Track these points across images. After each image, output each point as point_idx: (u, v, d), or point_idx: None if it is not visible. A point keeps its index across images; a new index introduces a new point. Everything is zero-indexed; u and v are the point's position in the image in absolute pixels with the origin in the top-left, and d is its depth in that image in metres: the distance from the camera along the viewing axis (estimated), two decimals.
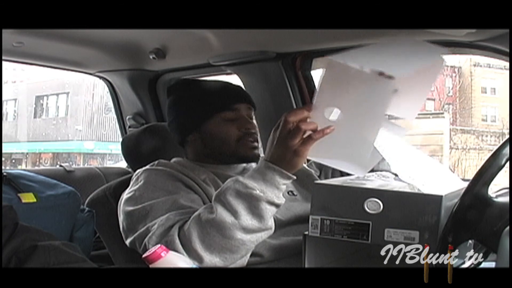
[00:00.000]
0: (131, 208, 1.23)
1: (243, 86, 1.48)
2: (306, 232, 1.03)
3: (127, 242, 1.23)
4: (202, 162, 1.38)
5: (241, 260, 1.13)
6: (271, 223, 1.11)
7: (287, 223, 1.30)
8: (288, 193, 1.37)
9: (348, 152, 1.05)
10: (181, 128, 1.41)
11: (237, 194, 1.07)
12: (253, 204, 1.06)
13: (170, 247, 1.04)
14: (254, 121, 1.41)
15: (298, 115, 1.03)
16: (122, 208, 1.26)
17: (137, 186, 1.27)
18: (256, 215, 1.07)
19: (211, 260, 1.07)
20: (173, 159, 1.41)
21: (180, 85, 1.47)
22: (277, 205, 1.10)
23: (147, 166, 1.35)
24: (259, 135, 1.42)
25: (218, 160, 1.37)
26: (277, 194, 1.08)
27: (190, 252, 1.07)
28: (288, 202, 1.33)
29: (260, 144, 1.44)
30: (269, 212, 1.09)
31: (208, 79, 1.63)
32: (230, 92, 1.40)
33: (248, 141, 1.36)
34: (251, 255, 1.20)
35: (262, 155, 1.59)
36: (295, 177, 1.09)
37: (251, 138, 1.36)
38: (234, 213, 1.07)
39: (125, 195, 1.28)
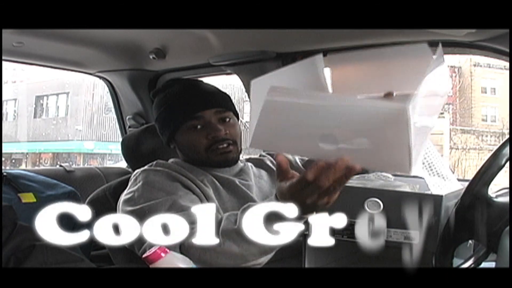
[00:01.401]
0: (129, 208, 1.23)
1: (218, 87, 1.43)
2: (306, 232, 1.03)
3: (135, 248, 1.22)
4: (195, 164, 1.37)
5: None
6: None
7: None
8: None
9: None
10: (162, 137, 1.42)
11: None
12: (268, 247, 1.02)
13: None
14: (232, 121, 1.37)
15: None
16: (121, 209, 1.26)
17: (135, 187, 1.27)
18: (268, 252, 1.04)
19: None
20: (171, 160, 1.41)
21: (157, 92, 1.46)
22: None
23: (145, 167, 1.35)
24: (240, 135, 1.37)
25: (201, 165, 1.36)
26: None
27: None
28: None
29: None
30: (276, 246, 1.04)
31: (184, 83, 1.53)
32: (192, 100, 1.37)
33: (218, 148, 1.33)
34: None
35: (262, 153, 1.59)
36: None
37: (222, 144, 1.33)
38: (245, 250, 1.02)
39: (124, 196, 1.28)
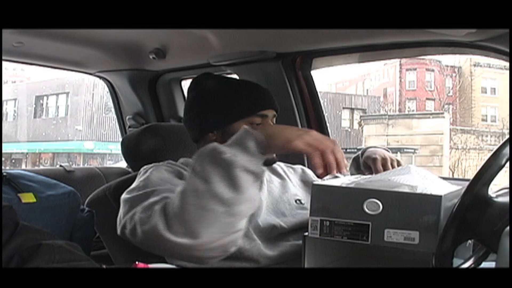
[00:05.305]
0: (129, 195, 1.20)
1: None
2: (306, 233, 1.03)
3: (119, 231, 1.17)
4: None
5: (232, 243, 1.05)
6: (251, 193, 1.02)
7: (290, 230, 1.30)
8: (295, 201, 1.37)
9: None
10: (203, 125, 1.37)
11: (207, 159, 1.01)
12: (224, 169, 0.99)
13: (152, 223, 1.03)
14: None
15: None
16: (122, 197, 1.23)
17: (142, 177, 1.26)
18: (230, 183, 0.99)
19: (194, 235, 1.00)
20: (182, 160, 1.39)
21: (206, 81, 1.42)
22: (254, 173, 1.01)
23: (156, 163, 1.34)
24: None
25: None
26: (251, 159, 1.01)
27: (173, 227, 1.01)
28: (295, 210, 1.32)
29: None
30: (245, 180, 1.00)
31: (234, 77, 1.55)
32: (260, 97, 1.37)
33: None
34: (249, 262, 1.21)
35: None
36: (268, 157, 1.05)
37: None
38: (205, 179, 0.99)
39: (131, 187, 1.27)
